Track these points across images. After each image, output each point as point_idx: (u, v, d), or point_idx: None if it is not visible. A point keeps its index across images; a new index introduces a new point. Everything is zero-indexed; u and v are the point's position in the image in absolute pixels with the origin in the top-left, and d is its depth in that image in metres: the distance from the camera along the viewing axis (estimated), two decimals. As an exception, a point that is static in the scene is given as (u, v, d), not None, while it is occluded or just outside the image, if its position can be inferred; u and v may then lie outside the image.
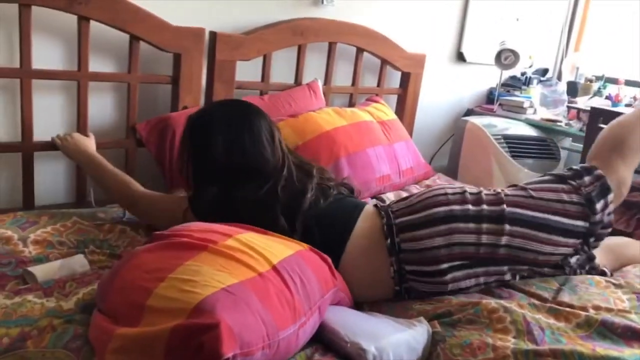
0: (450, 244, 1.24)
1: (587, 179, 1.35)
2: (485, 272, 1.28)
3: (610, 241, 1.53)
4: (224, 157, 1.33)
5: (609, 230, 1.37)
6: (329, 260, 1.20)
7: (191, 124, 1.41)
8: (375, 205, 1.41)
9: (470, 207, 1.28)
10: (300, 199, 1.33)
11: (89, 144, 1.66)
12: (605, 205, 1.34)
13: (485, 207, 1.28)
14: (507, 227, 1.25)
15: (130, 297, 0.95)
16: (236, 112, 1.41)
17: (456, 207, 1.28)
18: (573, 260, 1.36)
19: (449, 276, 1.24)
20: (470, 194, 1.32)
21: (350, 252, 1.29)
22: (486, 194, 1.32)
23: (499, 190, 1.35)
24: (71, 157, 1.63)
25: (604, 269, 1.44)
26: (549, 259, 1.31)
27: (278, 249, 1.11)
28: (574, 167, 1.41)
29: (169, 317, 0.88)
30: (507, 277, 1.30)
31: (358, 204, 1.43)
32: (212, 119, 1.39)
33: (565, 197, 1.32)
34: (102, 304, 1.01)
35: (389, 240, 1.28)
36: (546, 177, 1.41)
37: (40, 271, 1.20)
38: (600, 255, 1.45)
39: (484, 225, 1.26)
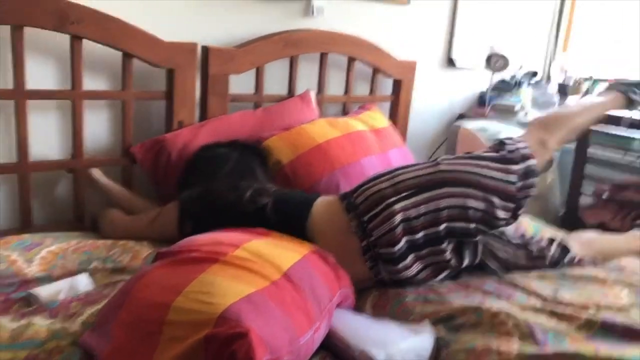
0: (394, 183, 1.41)
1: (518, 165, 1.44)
2: (432, 197, 1.36)
3: (583, 235, 1.69)
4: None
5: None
6: (332, 260, 1.24)
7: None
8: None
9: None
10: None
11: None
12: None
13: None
14: (441, 164, 1.43)
15: (146, 314, 0.95)
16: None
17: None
18: (552, 250, 1.49)
19: (397, 206, 1.35)
20: None
21: (315, 218, 1.43)
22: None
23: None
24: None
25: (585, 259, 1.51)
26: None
27: (285, 255, 1.13)
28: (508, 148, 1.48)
29: (193, 329, 0.88)
30: (455, 201, 1.36)
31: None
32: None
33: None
34: (111, 323, 1.00)
35: (345, 201, 1.44)
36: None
37: (44, 292, 1.20)
38: (577, 249, 1.54)
39: (422, 166, 1.45)
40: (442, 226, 1.36)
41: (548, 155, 1.54)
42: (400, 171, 1.46)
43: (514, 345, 1.07)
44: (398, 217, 1.34)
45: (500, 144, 1.49)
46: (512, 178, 1.40)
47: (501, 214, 1.39)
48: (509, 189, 1.39)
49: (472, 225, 1.37)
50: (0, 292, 1.22)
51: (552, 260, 1.48)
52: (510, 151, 1.45)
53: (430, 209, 1.35)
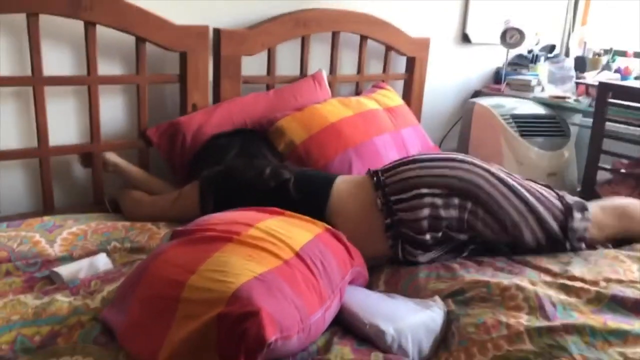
0: (431, 175, 1.41)
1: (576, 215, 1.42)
2: (462, 205, 1.37)
3: (619, 201, 1.58)
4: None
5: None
6: (344, 239, 1.25)
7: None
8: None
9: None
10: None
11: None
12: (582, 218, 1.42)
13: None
14: (488, 178, 1.41)
15: (162, 290, 0.99)
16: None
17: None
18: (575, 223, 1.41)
19: (427, 199, 1.37)
20: None
21: (336, 196, 1.45)
22: None
23: None
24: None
25: (598, 246, 1.46)
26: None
27: (298, 234, 1.15)
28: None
29: (207, 307, 0.91)
30: (481, 212, 1.36)
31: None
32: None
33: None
34: (129, 299, 1.04)
35: (374, 179, 1.45)
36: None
37: (65, 271, 1.25)
38: (605, 215, 1.48)
39: (466, 167, 1.42)
40: (461, 235, 1.39)
41: (596, 238, 1.46)
42: (440, 163, 1.44)
43: (523, 319, 1.08)
44: (426, 211, 1.36)
45: (568, 210, 1.41)
46: (544, 237, 1.39)
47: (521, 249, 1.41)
48: (539, 243, 1.40)
49: (484, 243, 1.41)
50: (24, 271, 1.28)
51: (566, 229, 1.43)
52: (572, 227, 1.40)
53: (455, 216, 1.37)
